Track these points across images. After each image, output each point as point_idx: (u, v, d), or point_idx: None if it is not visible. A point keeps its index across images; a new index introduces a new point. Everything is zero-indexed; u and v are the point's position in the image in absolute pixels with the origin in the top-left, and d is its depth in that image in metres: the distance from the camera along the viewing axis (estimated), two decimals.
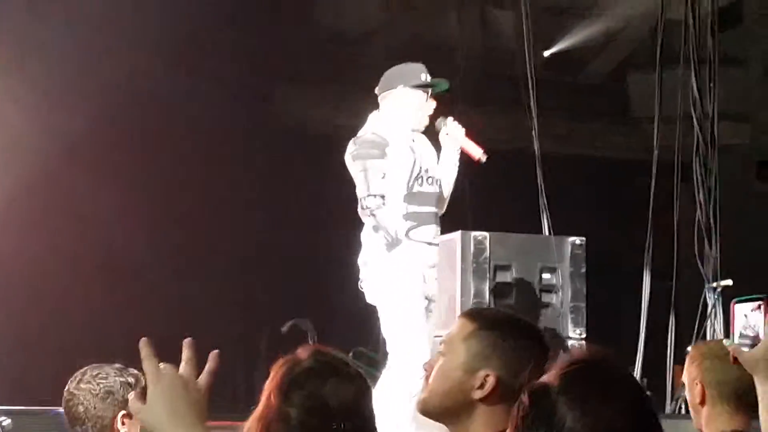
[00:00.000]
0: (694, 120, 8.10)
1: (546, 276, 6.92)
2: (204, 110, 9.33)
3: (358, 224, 5.66)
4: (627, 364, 7.54)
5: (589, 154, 10.55)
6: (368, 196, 5.36)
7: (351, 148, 5.51)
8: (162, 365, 1.78)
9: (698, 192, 8.03)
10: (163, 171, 9.30)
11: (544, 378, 1.66)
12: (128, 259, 9.09)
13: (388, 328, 5.47)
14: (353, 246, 5.72)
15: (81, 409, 3.31)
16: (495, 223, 7.25)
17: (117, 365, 3.40)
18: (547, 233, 7.71)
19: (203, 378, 1.80)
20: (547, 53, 9.55)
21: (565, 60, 10.30)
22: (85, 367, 3.42)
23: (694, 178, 8.07)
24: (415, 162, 5.52)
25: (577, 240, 7.03)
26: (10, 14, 9.47)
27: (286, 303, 8.75)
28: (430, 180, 5.59)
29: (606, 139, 10.68)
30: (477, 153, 5.61)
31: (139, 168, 9.25)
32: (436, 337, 6.90)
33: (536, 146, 8.14)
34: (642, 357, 7.91)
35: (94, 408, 3.30)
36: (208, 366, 1.82)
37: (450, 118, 5.61)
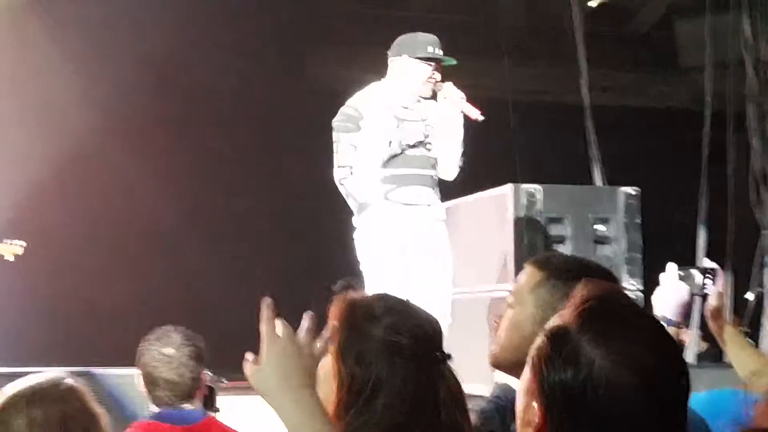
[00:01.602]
0: (748, 64, 7.47)
1: (600, 227, 6.44)
2: (236, 80, 9.01)
3: None
4: None
5: (638, 104, 9.98)
6: (337, 167, 5.46)
7: (335, 119, 5.56)
8: (279, 326, 1.73)
9: (752, 138, 7.42)
10: (202, 143, 9.21)
11: (558, 318, 1.56)
12: (170, 229, 8.99)
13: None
14: None
15: (160, 373, 3.20)
16: (546, 177, 6.74)
17: (183, 329, 3.30)
18: (599, 185, 7.16)
19: (319, 345, 1.77)
20: (593, 4, 8.93)
21: (611, 11, 9.70)
22: (156, 331, 3.30)
23: (748, 124, 7.47)
24: (397, 129, 5.51)
25: (631, 190, 6.56)
26: None
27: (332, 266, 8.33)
28: (418, 144, 5.55)
29: (655, 89, 10.08)
30: (474, 114, 5.53)
31: (178, 140, 9.12)
32: (480, 292, 6.55)
33: (586, 98, 7.62)
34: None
35: (176, 373, 3.19)
36: (305, 325, 1.77)
37: (448, 83, 5.52)
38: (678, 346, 1.61)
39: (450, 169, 5.70)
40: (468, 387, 2.10)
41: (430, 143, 5.60)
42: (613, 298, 1.59)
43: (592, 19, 8.94)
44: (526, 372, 1.56)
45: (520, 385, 1.59)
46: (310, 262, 8.88)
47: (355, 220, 5.52)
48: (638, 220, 6.62)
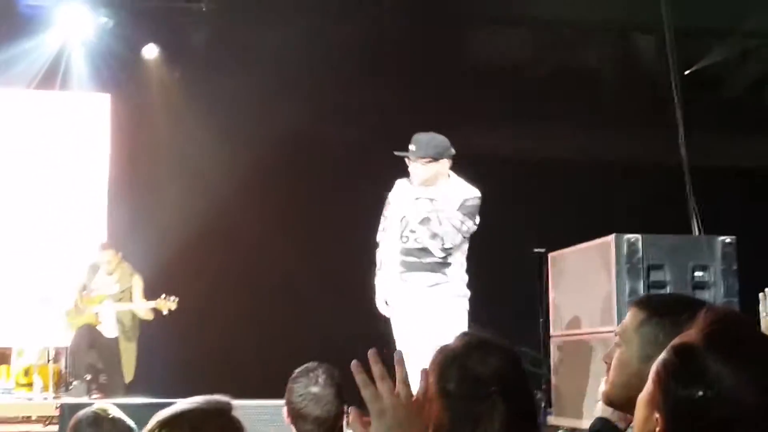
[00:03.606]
0: None
1: (698, 273, 6.32)
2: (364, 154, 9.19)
3: None
4: None
5: (731, 164, 9.78)
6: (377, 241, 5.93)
7: None
8: (381, 387, 1.62)
9: None
10: (331, 207, 9.38)
11: (684, 338, 1.51)
12: (301, 281, 9.18)
13: None
14: None
15: (309, 410, 3.21)
16: (644, 229, 6.68)
17: (326, 366, 3.33)
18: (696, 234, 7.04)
19: (418, 396, 1.69)
20: (687, 72, 8.84)
21: (704, 77, 9.58)
22: (303, 369, 3.33)
23: None
24: (402, 219, 5.78)
25: (727, 239, 6.44)
26: (193, 65, 9.60)
27: None
28: (410, 234, 5.72)
29: (748, 148, 9.87)
30: None
31: (308, 203, 9.41)
32: (585, 334, 6.48)
33: (684, 157, 7.52)
34: None
35: (323, 410, 3.21)
36: (401, 375, 1.67)
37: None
38: None
39: (440, 246, 5.69)
40: (576, 422, 2.08)
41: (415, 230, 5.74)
42: (737, 320, 1.55)
43: (685, 86, 8.84)
44: (649, 385, 1.53)
45: (641, 397, 1.56)
46: None
47: None
48: (735, 267, 6.62)
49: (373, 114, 9.51)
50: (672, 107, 8.17)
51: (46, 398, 8.24)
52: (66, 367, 8.63)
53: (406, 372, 1.68)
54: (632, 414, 2.14)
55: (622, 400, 2.19)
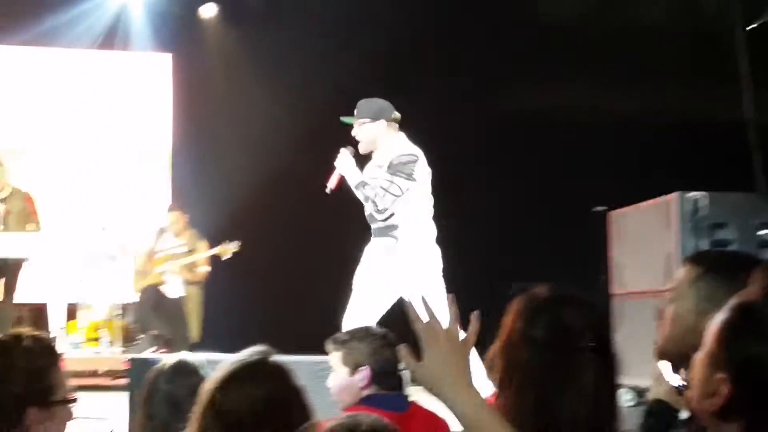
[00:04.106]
0: None
1: (764, 232, 6.18)
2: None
3: None
4: None
5: None
6: None
7: None
8: (429, 321, 1.74)
9: None
10: None
11: (745, 296, 1.50)
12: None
13: None
14: None
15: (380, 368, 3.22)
16: (708, 187, 6.59)
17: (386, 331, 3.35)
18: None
19: (469, 337, 1.78)
20: (755, 24, 8.63)
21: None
22: (369, 329, 3.39)
23: None
24: None
25: None
26: (251, 23, 9.59)
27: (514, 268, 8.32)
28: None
29: None
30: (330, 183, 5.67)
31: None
32: (647, 293, 6.42)
33: (749, 112, 7.37)
34: None
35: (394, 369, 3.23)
36: (473, 326, 1.80)
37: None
38: None
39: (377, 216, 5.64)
40: (636, 380, 2.05)
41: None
42: None
43: (748, 40, 8.65)
44: (709, 344, 1.51)
45: (699, 357, 1.55)
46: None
47: None
48: None
49: (430, 76, 9.52)
50: (737, 62, 8.01)
51: (113, 353, 8.45)
52: (132, 323, 8.83)
53: (457, 311, 1.80)
54: (685, 367, 2.15)
55: (675, 354, 2.19)
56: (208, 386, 2.05)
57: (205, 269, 8.64)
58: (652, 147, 9.35)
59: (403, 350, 1.75)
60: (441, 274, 5.44)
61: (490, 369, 1.91)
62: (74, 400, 2.15)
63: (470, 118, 9.56)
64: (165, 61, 10.36)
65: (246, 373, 2.05)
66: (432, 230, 5.53)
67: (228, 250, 8.35)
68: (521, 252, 8.96)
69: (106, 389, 7.29)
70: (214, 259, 8.55)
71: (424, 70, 9.49)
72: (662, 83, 9.26)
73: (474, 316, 1.81)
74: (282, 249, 9.29)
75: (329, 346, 3.29)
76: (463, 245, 9.52)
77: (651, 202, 6.95)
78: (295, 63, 9.32)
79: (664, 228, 6.64)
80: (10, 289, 8.41)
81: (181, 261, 8.61)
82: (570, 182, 8.86)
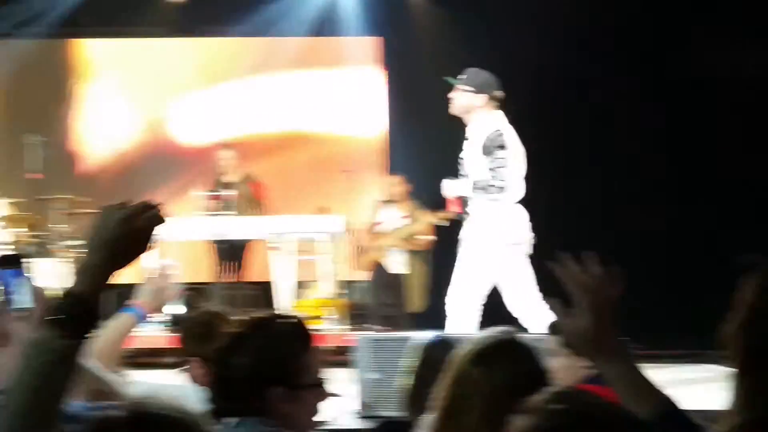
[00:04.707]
0: None
1: None
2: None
3: None
4: None
5: None
6: None
7: None
8: (582, 276, 1.74)
9: None
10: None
11: None
12: None
13: None
14: None
15: None
16: None
17: None
18: None
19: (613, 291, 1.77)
20: None
21: None
22: None
23: None
24: None
25: None
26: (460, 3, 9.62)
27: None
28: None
29: None
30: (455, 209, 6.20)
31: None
32: None
33: None
34: None
35: None
36: (615, 282, 1.78)
37: None
38: None
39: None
40: None
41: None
42: None
43: None
44: None
45: None
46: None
47: None
48: None
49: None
50: None
51: (339, 330, 8.71)
52: (357, 301, 9.07)
53: (601, 270, 1.78)
54: None
55: None
56: (460, 359, 2.11)
57: (428, 238, 8.73)
58: None
59: (555, 305, 1.77)
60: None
61: (724, 347, 1.77)
62: (322, 383, 2.18)
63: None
64: (377, 45, 10.54)
65: (499, 350, 2.11)
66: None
67: (446, 216, 8.33)
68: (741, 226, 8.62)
69: (330, 365, 7.51)
70: (439, 229, 8.57)
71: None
72: None
73: (616, 272, 1.77)
74: None
75: (551, 329, 3.32)
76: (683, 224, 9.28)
77: None
78: (505, 42, 9.25)
79: None
80: (240, 268, 8.95)
81: (402, 232, 8.74)
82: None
